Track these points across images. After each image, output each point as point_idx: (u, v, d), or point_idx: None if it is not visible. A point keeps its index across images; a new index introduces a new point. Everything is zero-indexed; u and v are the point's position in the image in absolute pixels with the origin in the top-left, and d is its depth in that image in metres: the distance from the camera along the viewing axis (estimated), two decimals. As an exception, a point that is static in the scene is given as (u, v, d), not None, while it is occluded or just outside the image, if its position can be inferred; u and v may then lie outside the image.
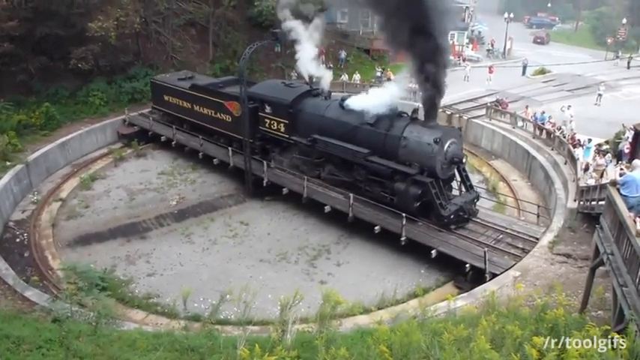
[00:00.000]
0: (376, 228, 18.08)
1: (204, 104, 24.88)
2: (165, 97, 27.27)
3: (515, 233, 17.55)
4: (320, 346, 7.08)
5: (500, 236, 17.43)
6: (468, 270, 15.83)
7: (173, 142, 26.32)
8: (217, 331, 10.27)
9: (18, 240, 19.39)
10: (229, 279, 16.86)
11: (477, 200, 19.10)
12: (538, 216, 19.13)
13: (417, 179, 17.67)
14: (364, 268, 17.51)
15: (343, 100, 20.37)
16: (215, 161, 23.89)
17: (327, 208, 19.56)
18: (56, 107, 27.80)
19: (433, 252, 16.60)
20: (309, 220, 20.67)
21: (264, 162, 21.83)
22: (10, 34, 25.43)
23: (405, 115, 19.12)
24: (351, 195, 18.78)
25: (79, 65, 27.42)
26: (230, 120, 23.50)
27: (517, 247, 16.73)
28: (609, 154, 21.52)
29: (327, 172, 20.89)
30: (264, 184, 21.75)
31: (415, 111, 19.05)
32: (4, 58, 26.65)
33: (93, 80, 30.24)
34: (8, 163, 22.58)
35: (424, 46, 16.36)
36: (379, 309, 14.69)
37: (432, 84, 17.24)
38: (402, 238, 17.24)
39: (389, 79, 36.25)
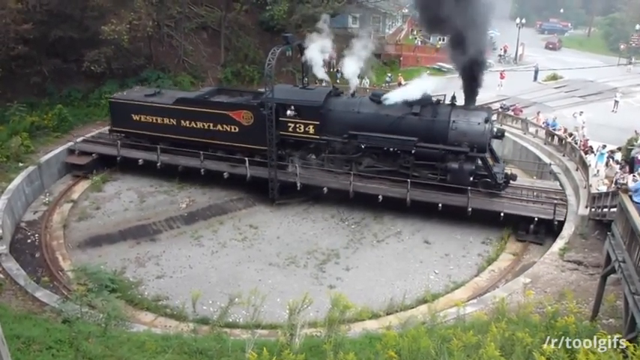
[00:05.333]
0: (439, 206, 19.50)
1: (196, 118, 23.18)
2: (135, 117, 24.39)
3: (544, 189, 20.47)
4: (328, 351, 7.09)
5: (535, 193, 20.14)
6: (534, 223, 18.33)
7: (158, 164, 23.61)
8: (226, 334, 10.33)
9: (29, 241, 19.54)
10: (238, 282, 16.87)
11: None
12: (551, 172, 22.45)
13: (471, 156, 19.43)
14: (373, 273, 17.46)
15: (376, 95, 21.11)
16: (225, 175, 22.68)
17: (380, 198, 20.23)
18: (69, 109, 27.95)
19: (501, 214, 18.76)
20: (319, 225, 20.67)
21: (297, 166, 21.57)
22: (25, 37, 25.68)
23: (441, 101, 21.09)
24: (409, 181, 19.73)
25: (92, 68, 27.61)
26: (237, 130, 22.63)
27: (556, 198, 19.31)
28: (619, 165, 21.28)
29: (365, 165, 21.34)
30: (298, 188, 21.50)
31: (454, 97, 20.58)
32: (19, 60, 26.91)
33: (105, 83, 30.41)
34: (21, 164, 22.79)
35: (469, 43, 17.80)
36: (388, 314, 14.70)
37: (473, 74, 19.15)
38: (469, 209, 19.01)
39: (399, 84, 36.35)
